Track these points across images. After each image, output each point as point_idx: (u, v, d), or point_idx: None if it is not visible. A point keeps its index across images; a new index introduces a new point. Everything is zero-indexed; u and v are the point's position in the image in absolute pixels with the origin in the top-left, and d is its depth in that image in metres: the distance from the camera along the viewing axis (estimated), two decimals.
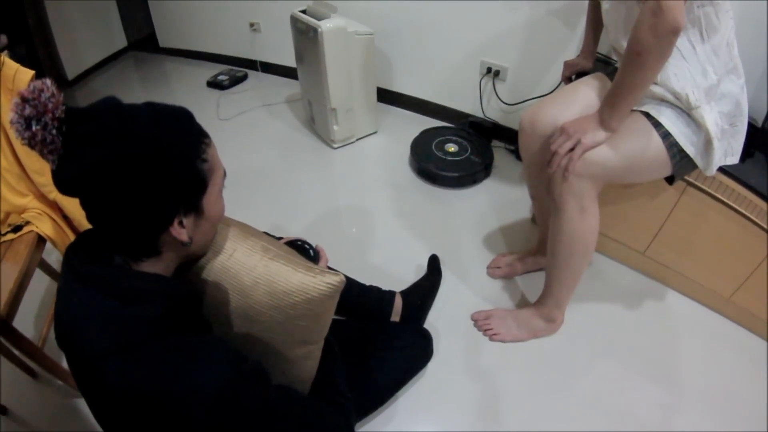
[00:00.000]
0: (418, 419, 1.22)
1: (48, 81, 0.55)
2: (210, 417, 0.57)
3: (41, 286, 1.65)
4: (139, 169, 0.57)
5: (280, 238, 0.97)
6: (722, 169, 1.17)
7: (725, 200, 1.24)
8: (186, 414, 0.57)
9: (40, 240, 1.30)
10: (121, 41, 3.39)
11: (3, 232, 1.32)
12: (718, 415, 1.19)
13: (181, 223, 0.64)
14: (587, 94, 1.16)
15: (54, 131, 0.53)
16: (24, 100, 0.53)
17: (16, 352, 1.23)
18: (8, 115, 0.54)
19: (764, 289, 1.28)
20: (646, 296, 1.50)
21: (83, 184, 0.57)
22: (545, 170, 1.10)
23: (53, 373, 1.28)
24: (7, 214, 1.33)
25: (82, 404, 1.30)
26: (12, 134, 1.23)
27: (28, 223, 1.30)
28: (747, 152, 1.17)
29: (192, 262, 0.76)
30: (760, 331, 1.37)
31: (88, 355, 0.59)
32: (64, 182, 0.58)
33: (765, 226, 1.21)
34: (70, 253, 0.65)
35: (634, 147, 1.03)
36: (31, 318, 1.54)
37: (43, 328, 1.40)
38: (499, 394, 1.27)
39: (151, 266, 0.65)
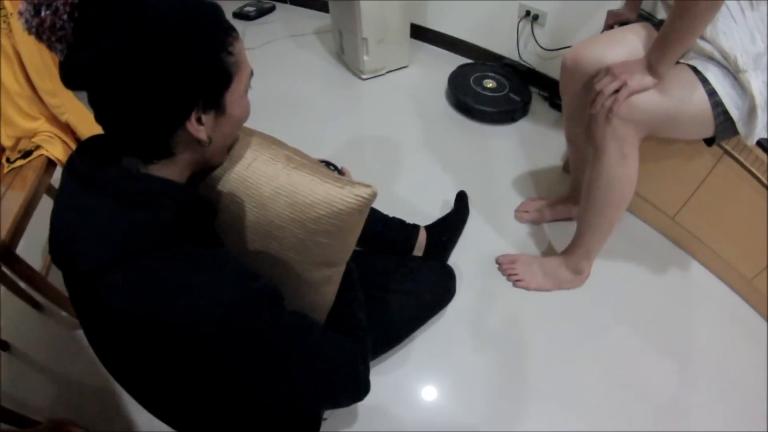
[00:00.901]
0: (431, 364, 1.20)
1: None
2: (214, 337, 0.53)
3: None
4: (157, 55, 0.52)
5: None
6: (761, 144, 1.13)
7: (760, 176, 1.19)
8: (189, 332, 0.52)
9: (50, 164, 1.25)
10: None
11: (12, 159, 1.28)
12: (727, 400, 1.15)
13: (199, 120, 0.58)
14: (633, 40, 1.11)
15: (65, 16, 0.49)
16: None
17: (21, 283, 1.20)
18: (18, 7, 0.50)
19: None
20: (670, 264, 1.44)
21: (95, 73, 0.52)
22: (587, 111, 1.06)
23: (58, 304, 1.24)
24: (18, 140, 1.29)
25: None
26: (25, 55, 1.20)
27: (38, 147, 1.26)
28: None
29: (206, 172, 0.70)
30: None
31: (85, 268, 0.54)
32: (73, 72, 0.52)
33: None
34: (75, 157, 0.59)
35: (680, 98, 1.00)
36: (39, 249, 1.51)
37: (47, 255, 1.36)
38: (516, 343, 1.24)
39: (162, 170, 0.60)
